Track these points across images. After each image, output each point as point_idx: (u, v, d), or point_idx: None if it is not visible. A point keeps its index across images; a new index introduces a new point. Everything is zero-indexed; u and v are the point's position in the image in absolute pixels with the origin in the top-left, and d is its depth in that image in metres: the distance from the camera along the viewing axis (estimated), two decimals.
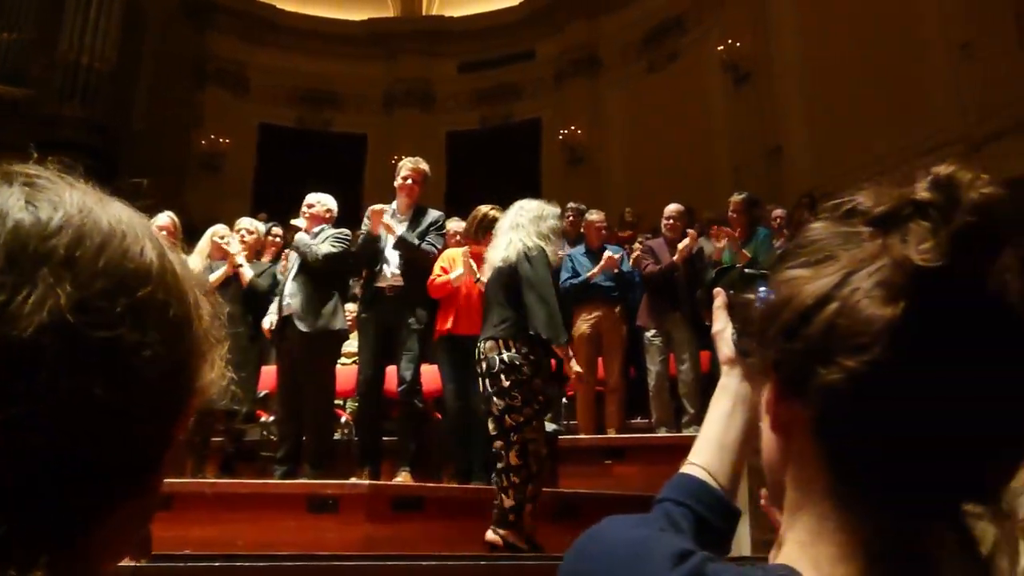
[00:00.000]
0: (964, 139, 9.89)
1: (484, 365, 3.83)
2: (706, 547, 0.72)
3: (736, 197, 6.30)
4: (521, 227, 3.98)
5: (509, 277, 3.88)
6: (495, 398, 3.77)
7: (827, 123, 11.56)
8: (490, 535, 3.75)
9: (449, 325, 4.81)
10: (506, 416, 3.73)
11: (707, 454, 0.83)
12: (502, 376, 3.75)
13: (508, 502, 3.74)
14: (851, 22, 11.38)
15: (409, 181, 5.04)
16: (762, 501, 1.17)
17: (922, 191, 0.53)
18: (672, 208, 6.40)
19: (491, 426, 3.83)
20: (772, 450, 0.60)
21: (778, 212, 7.91)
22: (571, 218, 7.12)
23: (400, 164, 5.16)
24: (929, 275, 0.50)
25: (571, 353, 4.24)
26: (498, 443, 3.79)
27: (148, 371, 0.47)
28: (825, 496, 0.55)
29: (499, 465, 3.80)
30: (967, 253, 0.50)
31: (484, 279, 4.16)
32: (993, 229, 0.51)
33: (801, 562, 0.54)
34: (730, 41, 13.09)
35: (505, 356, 3.76)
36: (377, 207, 4.98)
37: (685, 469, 0.83)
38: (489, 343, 3.81)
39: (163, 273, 0.49)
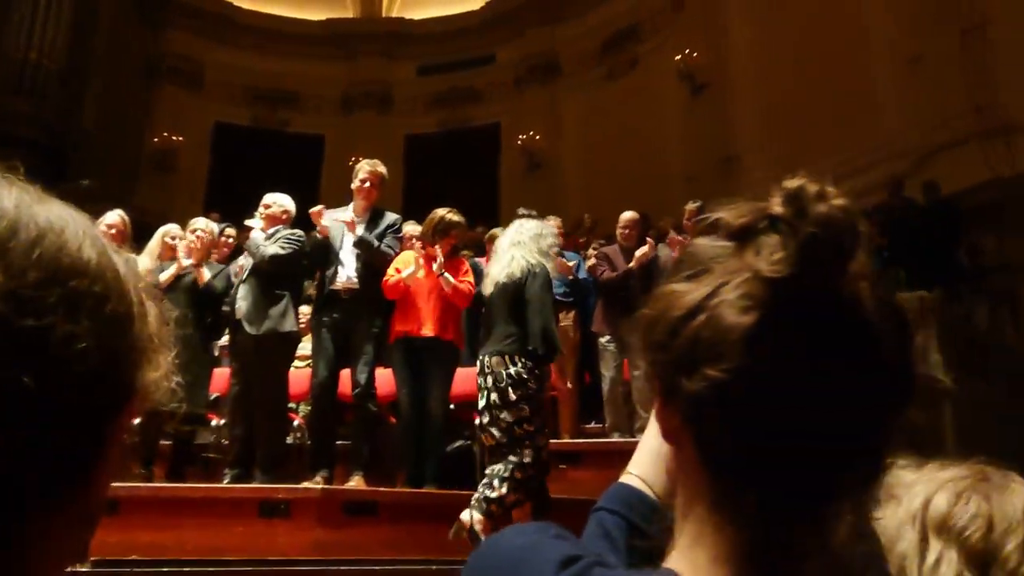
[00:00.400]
0: (913, 151, 10.16)
1: (490, 379, 3.95)
2: (640, 554, 0.74)
3: (691, 205, 6.38)
4: (522, 244, 4.16)
5: (513, 293, 4.04)
6: (504, 411, 3.90)
7: (780, 134, 11.77)
8: (465, 516, 3.77)
9: (404, 328, 4.80)
10: (515, 427, 3.88)
11: (644, 464, 0.83)
12: (510, 390, 3.90)
13: (498, 491, 3.80)
14: (804, 36, 11.61)
15: (367, 184, 5.01)
16: None
17: (775, 205, 0.55)
18: (627, 216, 6.46)
19: (498, 435, 3.93)
20: (669, 458, 0.62)
21: None
22: None
23: (358, 166, 5.13)
24: (779, 285, 0.52)
25: (562, 368, 4.40)
26: (506, 449, 3.91)
27: (81, 364, 0.46)
28: (703, 502, 0.57)
29: (512, 458, 3.88)
30: (814, 263, 0.52)
31: (485, 292, 4.28)
32: (839, 240, 0.53)
33: (681, 565, 0.56)
34: (687, 51, 13.27)
35: (512, 371, 3.91)
36: (315, 208, 4.95)
37: (623, 478, 0.84)
38: (496, 358, 3.96)
39: (102, 270, 0.49)
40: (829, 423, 0.53)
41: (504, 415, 3.88)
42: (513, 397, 3.88)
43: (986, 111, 9.54)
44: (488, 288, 4.22)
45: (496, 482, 3.82)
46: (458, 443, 5.15)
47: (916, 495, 0.96)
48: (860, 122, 10.72)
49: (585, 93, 15.20)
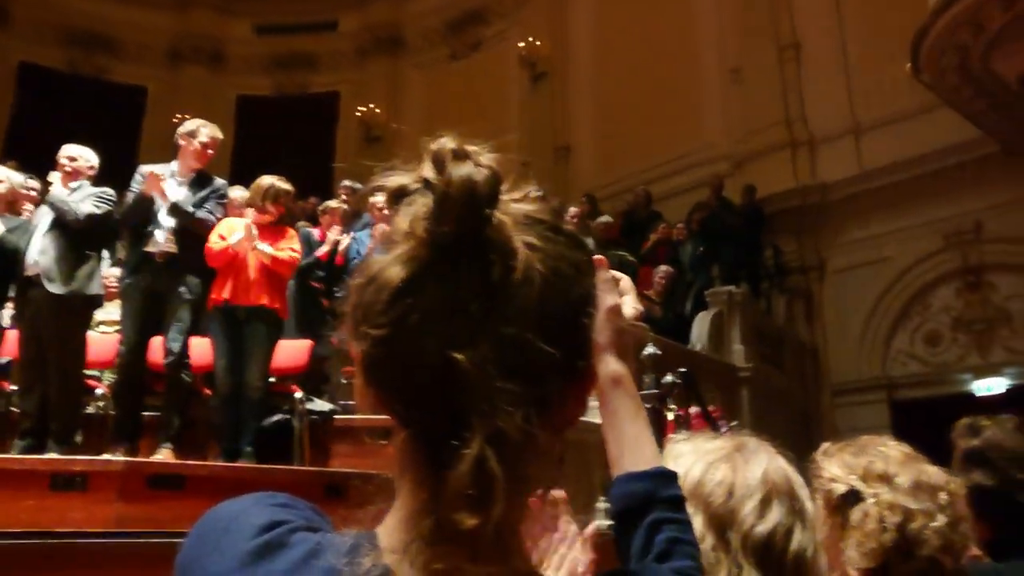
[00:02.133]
0: (729, 156, 10.89)
1: None
2: None
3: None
4: None
5: None
6: None
7: (613, 129, 12.25)
8: None
9: (225, 295, 4.61)
10: None
11: None
12: None
13: None
14: (641, 39, 12.13)
15: (209, 151, 4.80)
16: None
17: (425, 168, 0.58)
18: None
19: None
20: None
21: (573, 210, 8.25)
22: (344, 198, 7.16)
23: (194, 127, 4.85)
24: (426, 242, 0.56)
25: None
26: None
27: None
28: (402, 463, 0.60)
29: None
30: (450, 218, 0.56)
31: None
32: (473, 195, 0.56)
33: (382, 528, 0.59)
34: (530, 39, 13.50)
35: None
36: (153, 169, 4.66)
37: None
38: None
39: None
40: (471, 368, 0.54)
41: None
42: None
43: (795, 124, 10.37)
44: None
45: None
46: (277, 417, 5.02)
47: (680, 465, 1.07)
48: (685, 124, 11.36)
49: (428, 70, 15.13)
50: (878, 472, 1.31)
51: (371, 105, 14.74)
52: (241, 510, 0.61)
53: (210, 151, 4.82)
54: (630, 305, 0.93)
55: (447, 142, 0.58)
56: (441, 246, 0.56)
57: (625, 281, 0.97)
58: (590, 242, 7.64)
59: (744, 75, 10.91)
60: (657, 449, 0.89)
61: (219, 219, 4.82)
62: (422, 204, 0.57)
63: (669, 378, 5.00)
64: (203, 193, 4.75)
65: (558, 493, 1.27)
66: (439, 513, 0.54)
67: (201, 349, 4.92)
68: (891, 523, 1.25)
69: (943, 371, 9.17)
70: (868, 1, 9.77)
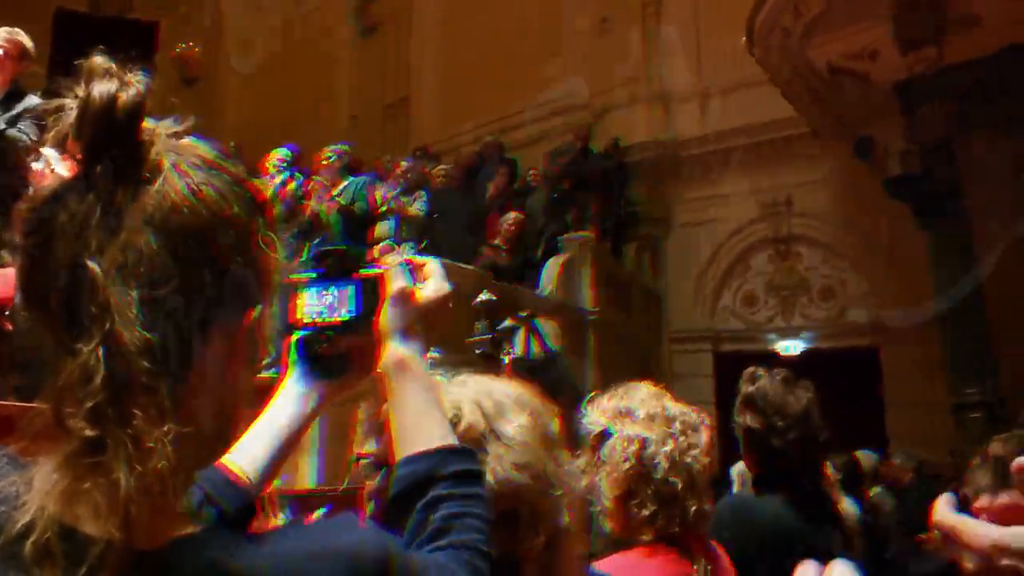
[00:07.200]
0: (587, 106, 10.94)
1: None
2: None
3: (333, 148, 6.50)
4: None
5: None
6: None
7: (455, 82, 12.04)
8: None
9: None
10: None
11: (243, 441, 0.80)
12: None
13: None
14: None
15: (2, 55, 4.22)
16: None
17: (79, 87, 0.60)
18: (281, 153, 6.43)
19: None
20: None
21: (405, 164, 8.11)
22: None
23: None
24: (75, 161, 0.59)
25: None
26: None
27: None
28: None
29: None
30: (89, 129, 0.58)
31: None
32: (112, 110, 0.58)
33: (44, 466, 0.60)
34: None
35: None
36: None
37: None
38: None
39: None
40: (96, 274, 0.57)
41: None
42: None
43: (652, 79, 10.57)
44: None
45: None
46: None
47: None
48: (546, 73, 11.17)
49: (255, 10, 14.33)
50: (622, 410, 1.50)
51: (191, 43, 13.73)
52: None
53: (3, 55, 4.22)
54: (432, 288, 0.92)
55: (98, 60, 0.60)
56: (83, 159, 0.58)
57: (429, 265, 0.97)
58: (422, 193, 7.48)
59: (612, 24, 10.92)
60: (448, 430, 0.88)
61: (34, 142, 4.31)
62: (70, 119, 0.59)
63: (507, 323, 5.07)
64: (14, 112, 4.24)
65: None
66: (63, 424, 0.55)
67: (7, 280, 4.41)
68: (630, 452, 1.43)
69: (755, 329, 9.88)
70: None
